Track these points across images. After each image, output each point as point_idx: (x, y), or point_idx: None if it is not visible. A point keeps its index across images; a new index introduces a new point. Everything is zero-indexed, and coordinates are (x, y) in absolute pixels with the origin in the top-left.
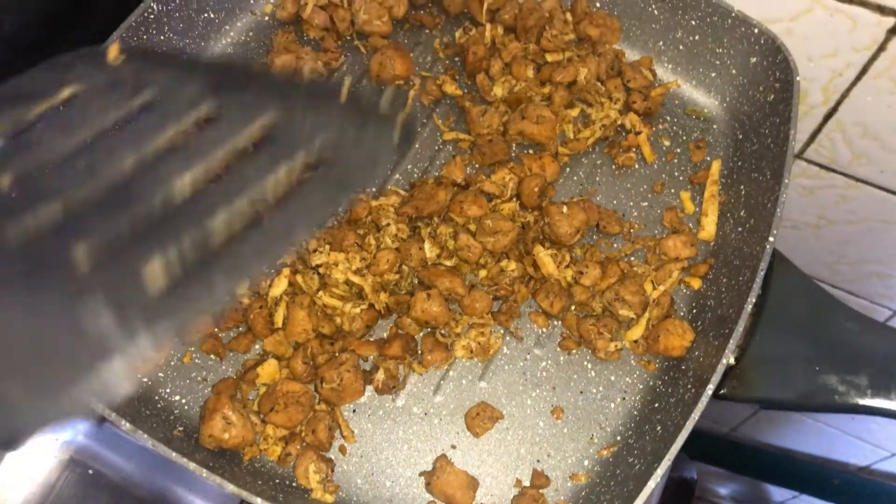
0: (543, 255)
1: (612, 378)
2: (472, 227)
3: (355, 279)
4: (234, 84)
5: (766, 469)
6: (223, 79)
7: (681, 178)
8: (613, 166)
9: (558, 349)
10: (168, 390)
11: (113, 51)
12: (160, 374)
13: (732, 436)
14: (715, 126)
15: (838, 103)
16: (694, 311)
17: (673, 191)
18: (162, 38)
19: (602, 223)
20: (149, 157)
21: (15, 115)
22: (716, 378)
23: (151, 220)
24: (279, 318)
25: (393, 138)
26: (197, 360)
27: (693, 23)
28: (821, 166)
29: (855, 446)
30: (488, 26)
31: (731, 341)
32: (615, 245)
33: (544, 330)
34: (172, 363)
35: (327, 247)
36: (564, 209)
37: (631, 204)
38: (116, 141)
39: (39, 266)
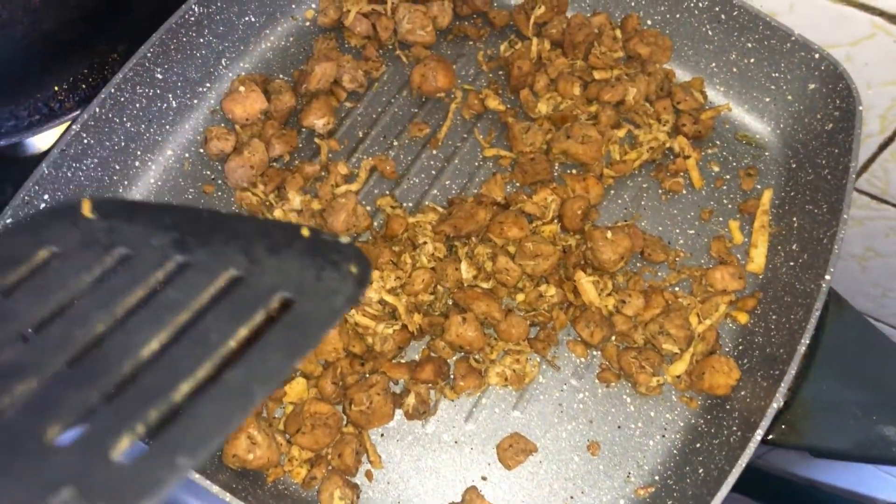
0: (585, 282)
1: (652, 414)
2: (512, 248)
3: (389, 298)
4: (200, 235)
5: (791, 500)
6: (190, 230)
7: (730, 207)
8: (660, 191)
9: (596, 381)
10: None
11: (86, 206)
12: None
13: (756, 463)
14: (767, 153)
15: None
16: (740, 347)
17: (721, 219)
18: (202, 40)
19: (647, 250)
20: (118, 322)
21: None
22: (765, 423)
23: (119, 390)
24: None
25: (353, 279)
26: None
27: (749, 45)
28: (872, 196)
29: (885, 481)
30: (535, 40)
31: (782, 384)
32: (659, 274)
33: (582, 360)
34: None
35: None
36: (609, 234)
37: (677, 231)
38: (89, 305)
39: (12, 450)
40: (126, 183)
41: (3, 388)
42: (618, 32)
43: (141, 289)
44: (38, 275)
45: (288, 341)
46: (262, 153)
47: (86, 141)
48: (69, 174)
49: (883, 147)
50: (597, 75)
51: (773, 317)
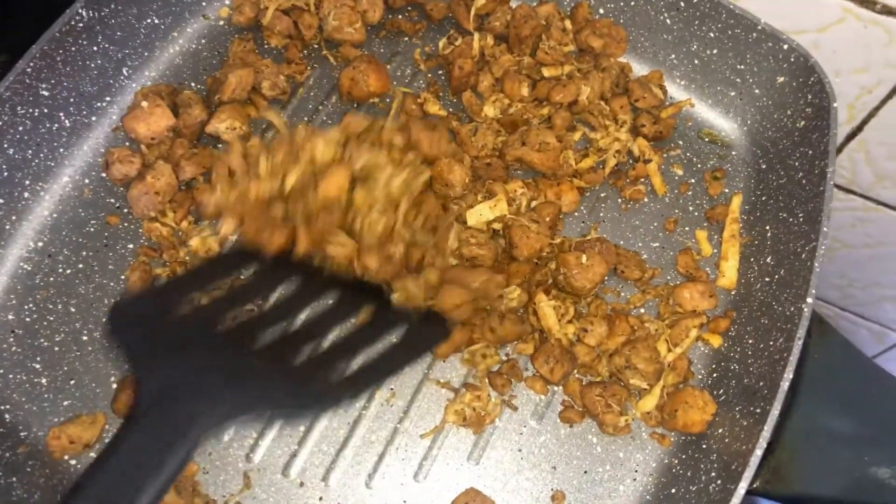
0: (545, 306)
1: (621, 455)
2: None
3: None
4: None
5: None
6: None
7: (696, 215)
8: (619, 200)
9: (559, 421)
10: None
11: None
12: (92, 455)
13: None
14: (734, 153)
15: (864, 122)
16: (715, 375)
17: (688, 229)
18: (95, 48)
19: (620, 267)
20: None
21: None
22: (749, 473)
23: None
24: None
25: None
26: None
27: (711, 35)
28: (839, 187)
29: None
30: (476, 36)
31: (765, 427)
32: (623, 294)
33: (542, 398)
34: (107, 440)
35: None
36: (584, 259)
37: (640, 244)
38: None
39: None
40: (14, 218)
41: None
42: (567, 23)
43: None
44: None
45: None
46: (169, 176)
47: None
48: None
49: (851, 137)
50: (546, 72)
51: (750, 341)
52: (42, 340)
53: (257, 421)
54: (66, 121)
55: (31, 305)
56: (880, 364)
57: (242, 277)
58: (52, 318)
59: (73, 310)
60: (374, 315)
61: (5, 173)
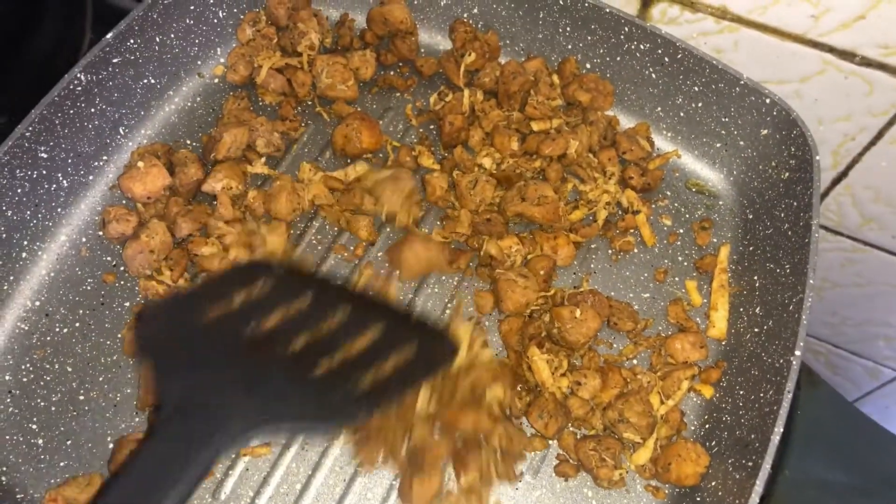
0: (539, 360)
1: None
2: None
3: None
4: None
5: None
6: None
7: (685, 264)
8: (610, 251)
9: (554, 475)
10: None
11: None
12: None
13: None
14: (721, 203)
15: (849, 167)
16: (707, 426)
17: (677, 279)
18: (93, 110)
19: (613, 319)
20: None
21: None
22: None
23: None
24: None
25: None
26: None
27: (696, 89)
28: (827, 229)
29: None
30: (467, 92)
31: (757, 481)
32: (615, 345)
33: (538, 452)
34: None
35: None
36: (578, 313)
37: (631, 295)
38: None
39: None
40: (12, 278)
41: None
42: (555, 78)
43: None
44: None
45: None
46: (164, 234)
47: None
48: None
49: (836, 182)
50: (535, 126)
51: (741, 392)
52: (39, 401)
53: (276, 435)
54: (64, 181)
55: (28, 365)
56: (875, 400)
57: (259, 289)
58: (48, 378)
59: (69, 369)
60: (386, 331)
61: (3, 235)
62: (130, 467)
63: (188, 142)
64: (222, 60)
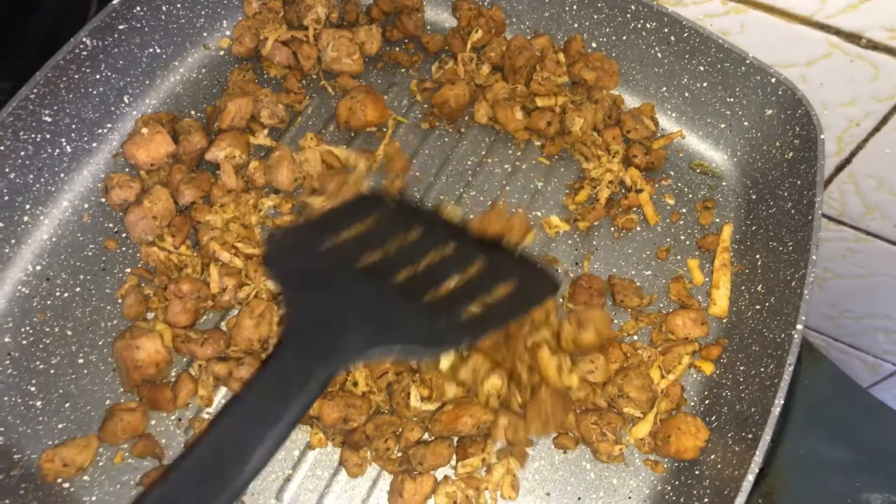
0: (548, 360)
1: (615, 481)
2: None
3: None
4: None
5: None
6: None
7: (688, 243)
8: (612, 228)
9: (553, 447)
10: (94, 498)
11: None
12: (85, 478)
13: None
14: (724, 183)
15: (853, 154)
16: (707, 402)
17: (679, 257)
18: (98, 76)
19: (619, 296)
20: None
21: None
22: (741, 499)
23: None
24: None
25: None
26: (130, 461)
27: (701, 68)
28: (829, 218)
29: None
30: (461, 57)
31: (756, 452)
32: (616, 321)
33: None
34: (101, 463)
35: None
36: (582, 334)
37: (633, 272)
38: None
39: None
40: (13, 241)
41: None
42: (561, 56)
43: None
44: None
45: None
46: (167, 200)
47: None
48: None
49: (840, 168)
50: (539, 102)
51: (741, 367)
52: (38, 363)
53: (387, 356)
54: (68, 146)
55: (27, 328)
56: (875, 394)
57: (373, 220)
58: (48, 342)
59: (69, 333)
60: (490, 264)
61: (6, 197)
62: (261, 375)
63: (193, 112)
64: (228, 33)
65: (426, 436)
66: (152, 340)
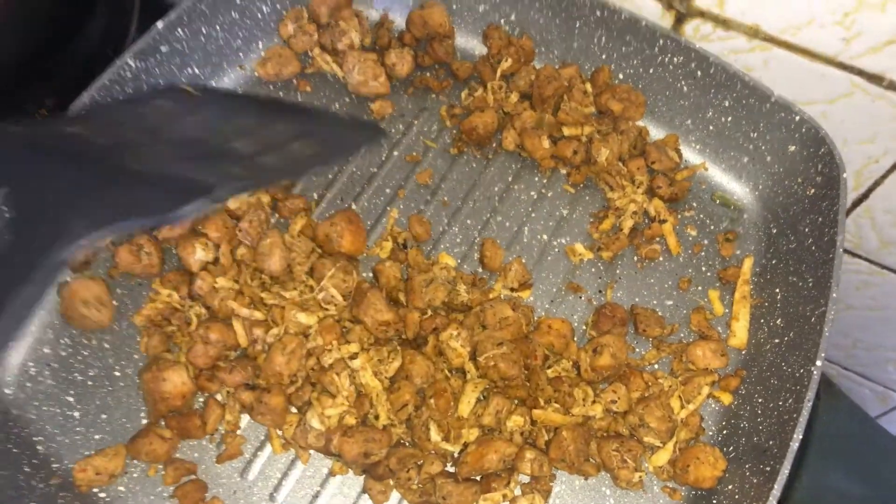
0: (553, 415)
1: None
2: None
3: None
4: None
5: None
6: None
7: (709, 274)
8: (635, 257)
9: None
10: None
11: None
12: (120, 489)
13: None
14: (746, 216)
15: (870, 190)
16: (725, 432)
17: (700, 288)
18: None
19: (641, 325)
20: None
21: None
22: None
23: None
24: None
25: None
26: (163, 472)
27: (726, 103)
28: (845, 251)
29: None
30: (490, 85)
31: (775, 486)
32: (637, 349)
33: None
34: (136, 475)
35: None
36: (600, 360)
37: (654, 302)
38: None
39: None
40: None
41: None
42: (588, 86)
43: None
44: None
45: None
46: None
47: (6, 214)
48: None
49: (857, 203)
50: (566, 131)
51: (760, 400)
52: (76, 374)
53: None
54: None
55: (66, 340)
56: (883, 425)
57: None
58: (86, 354)
59: (106, 346)
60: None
61: None
62: None
63: None
64: (263, 54)
65: (450, 467)
66: (178, 373)
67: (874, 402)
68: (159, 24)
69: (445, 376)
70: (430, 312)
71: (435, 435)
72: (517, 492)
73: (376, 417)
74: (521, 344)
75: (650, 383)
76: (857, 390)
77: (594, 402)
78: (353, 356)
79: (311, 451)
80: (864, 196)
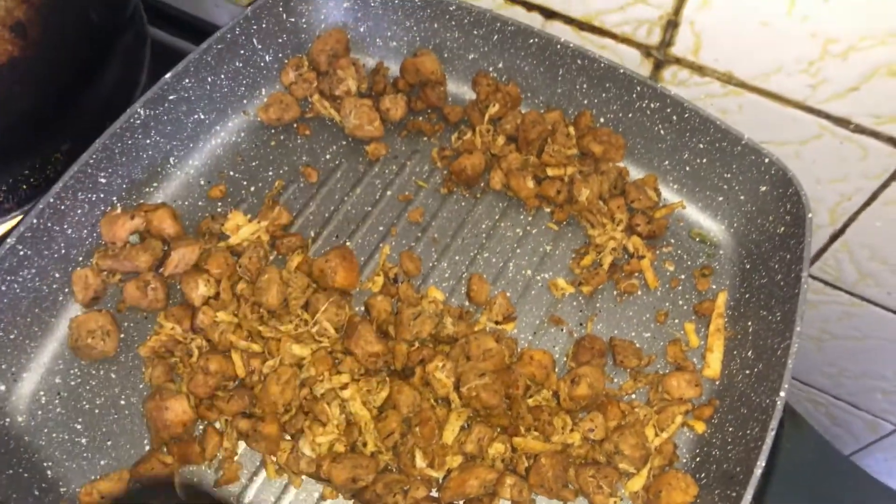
0: (532, 442)
1: None
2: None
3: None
4: None
5: None
6: None
7: (685, 308)
8: (615, 291)
9: (553, 499)
10: None
11: None
12: None
13: None
14: (721, 252)
15: (846, 225)
16: (697, 459)
17: (677, 321)
18: (148, 141)
19: (619, 357)
20: None
21: None
22: None
23: None
24: None
25: None
26: None
27: (701, 146)
28: (825, 283)
29: None
30: (479, 128)
31: None
32: (615, 380)
33: None
34: None
35: None
36: (577, 390)
37: (633, 334)
38: None
39: None
40: (66, 291)
41: None
42: (571, 130)
43: None
44: None
45: None
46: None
47: (21, 252)
48: (3, 287)
49: (833, 238)
50: (550, 172)
51: (730, 429)
52: (84, 403)
53: None
54: (118, 205)
55: (76, 370)
56: (874, 454)
57: None
58: (94, 384)
59: (113, 376)
60: None
61: (63, 251)
62: None
63: (230, 173)
64: (265, 100)
65: (434, 492)
66: (180, 402)
67: (865, 430)
68: (168, 76)
69: (431, 405)
70: (417, 344)
71: (420, 461)
72: None
73: (364, 445)
74: (503, 374)
75: (626, 412)
76: (848, 419)
77: (572, 430)
78: (344, 386)
79: (304, 477)
80: (841, 231)
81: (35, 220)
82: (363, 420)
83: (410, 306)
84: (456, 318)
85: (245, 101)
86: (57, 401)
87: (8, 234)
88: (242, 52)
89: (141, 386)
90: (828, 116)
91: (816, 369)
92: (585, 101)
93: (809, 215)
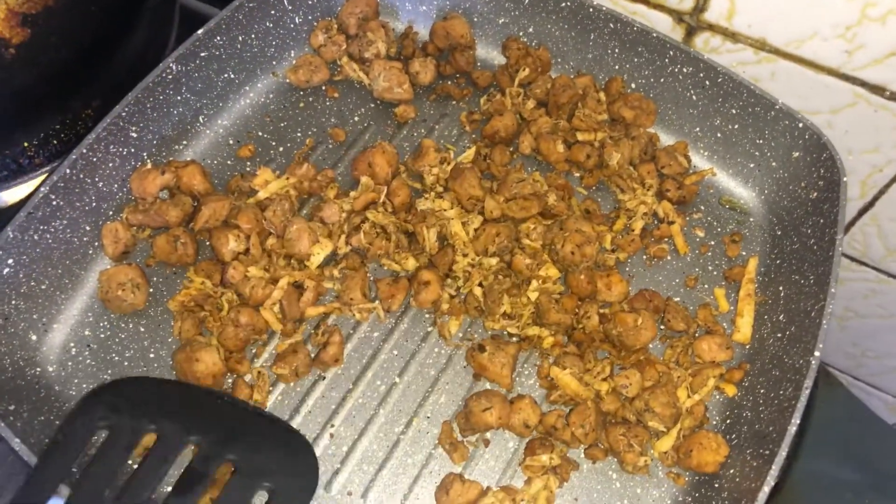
0: (563, 377)
1: (639, 491)
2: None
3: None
4: (203, 421)
5: None
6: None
7: (715, 273)
8: (645, 256)
9: (583, 456)
10: None
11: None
12: None
13: None
14: (751, 219)
15: (875, 198)
16: (728, 421)
17: (707, 286)
18: (179, 98)
19: (667, 316)
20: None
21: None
22: None
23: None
24: None
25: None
26: None
27: (733, 111)
28: (852, 259)
29: None
30: (509, 90)
31: (772, 466)
32: (651, 345)
33: None
34: None
35: None
36: (639, 321)
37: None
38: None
39: None
40: (97, 244)
41: None
42: (602, 95)
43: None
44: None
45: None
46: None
47: (55, 203)
48: (36, 237)
49: (863, 212)
50: (580, 136)
51: (762, 390)
52: (113, 355)
53: None
54: (149, 160)
55: (105, 324)
56: None
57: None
58: (123, 336)
59: (142, 329)
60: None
61: (94, 203)
62: None
63: (259, 133)
64: (295, 62)
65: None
66: (210, 354)
67: (885, 412)
68: (200, 31)
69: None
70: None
71: (505, 305)
72: (556, 461)
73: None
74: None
75: (662, 374)
76: (867, 400)
77: (605, 379)
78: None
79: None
80: (870, 204)
81: (68, 171)
82: (461, 240)
83: (516, 172)
84: (559, 198)
85: (274, 63)
86: (87, 352)
87: (41, 184)
88: (273, 12)
89: (170, 340)
90: (863, 84)
91: (838, 350)
92: (616, 67)
93: (844, 178)
